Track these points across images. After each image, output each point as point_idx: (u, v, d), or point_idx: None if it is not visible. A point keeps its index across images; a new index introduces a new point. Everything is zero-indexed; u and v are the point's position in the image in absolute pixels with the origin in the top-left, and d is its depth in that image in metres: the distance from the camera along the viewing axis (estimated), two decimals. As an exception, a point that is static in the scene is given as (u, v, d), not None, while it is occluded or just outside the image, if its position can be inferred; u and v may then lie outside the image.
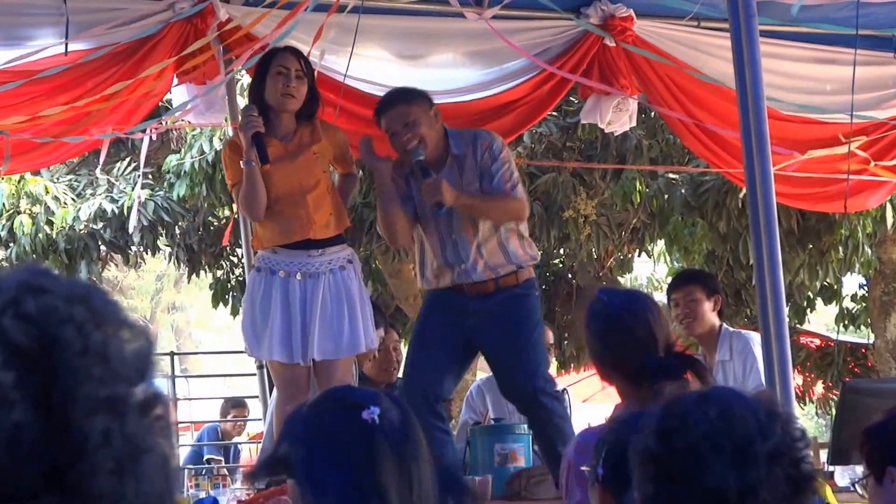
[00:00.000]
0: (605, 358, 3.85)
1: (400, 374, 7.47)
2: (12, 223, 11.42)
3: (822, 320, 16.24)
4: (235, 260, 12.63)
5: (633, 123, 7.66)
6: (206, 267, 12.65)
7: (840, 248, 11.23)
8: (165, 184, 11.64)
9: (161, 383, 1.22)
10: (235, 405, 12.68)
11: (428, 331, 6.01)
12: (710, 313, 6.76)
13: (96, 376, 1.15)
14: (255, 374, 7.82)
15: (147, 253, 12.67)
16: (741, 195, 10.11)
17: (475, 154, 5.97)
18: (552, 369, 7.41)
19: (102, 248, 11.95)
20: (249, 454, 12.80)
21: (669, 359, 3.73)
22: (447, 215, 5.87)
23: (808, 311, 13.14)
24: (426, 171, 5.83)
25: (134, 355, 1.19)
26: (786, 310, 4.79)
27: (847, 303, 13.66)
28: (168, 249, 12.74)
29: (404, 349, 7.47)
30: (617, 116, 7.30)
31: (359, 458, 2.49)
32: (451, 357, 5.99)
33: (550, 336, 7.27)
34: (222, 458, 12.01)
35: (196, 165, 10.91)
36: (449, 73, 7.41)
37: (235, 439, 12.65)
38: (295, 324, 5.73)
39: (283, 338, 5.72)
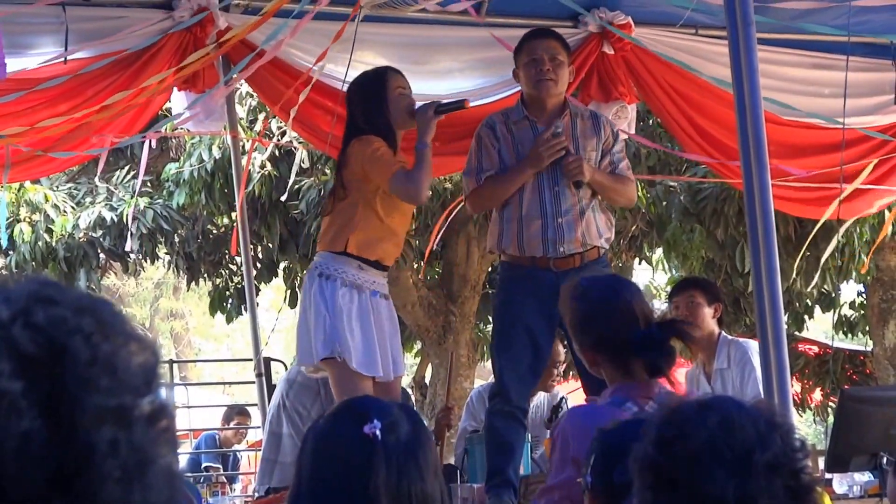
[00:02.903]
0: (591, 339, 3.87)
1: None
2: (12, 231, 11.42)
3: (820, 327, 16.24)
4: (234, 268, 12.65)
5: (632, 131, 7.68)
6: (205, 275, 12.67)
7: (837, 256, 11.23)
8: (164, 192, 11.66)
9: (167, 396, 1.23)
10: (239, 413, 12.69)
11: (519, 324, 5.90)
12: (709, 319, 6.78)
13: (104, 387, 1.17)
14: (254, 382, 7.81)
15: (146, 261, 12.69)
16: (739, 200, 10.11)
17: (597, 128, 6.15)
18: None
19: (101, 256, 11.97)
20: (248, 462, 12.81)
21: (651, 328, 3.76)
22: (579, 188, 5.96)
23: (807, 318, 13.15)
24: (566, 149, 5.94)
25: (141, 367, 1.21)
26: (784, 317, 4.80)
27: (846, 310, 13.67)
28: (167, 257, 12.75)
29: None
30: (616, 124, 7.31)
31: (354, 470, 2.53)
32: (537, 355, 5.96)
33: (561, 351, 7.24)
34: (220, 466, 12.02)
35: (195, 174, 10.91)
36: (449, 81, 7.43)
37: (235, 447, 12.65)
38: (384, 340, 5.79)
39: (378, 354, 5.74)
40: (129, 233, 10.48)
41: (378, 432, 2.55)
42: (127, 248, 11.10)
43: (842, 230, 9.07)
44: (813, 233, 8.35)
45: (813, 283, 10.11)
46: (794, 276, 11.13)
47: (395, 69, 6.08)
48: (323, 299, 5.72)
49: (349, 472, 2.54)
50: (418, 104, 5.96)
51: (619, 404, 3.72)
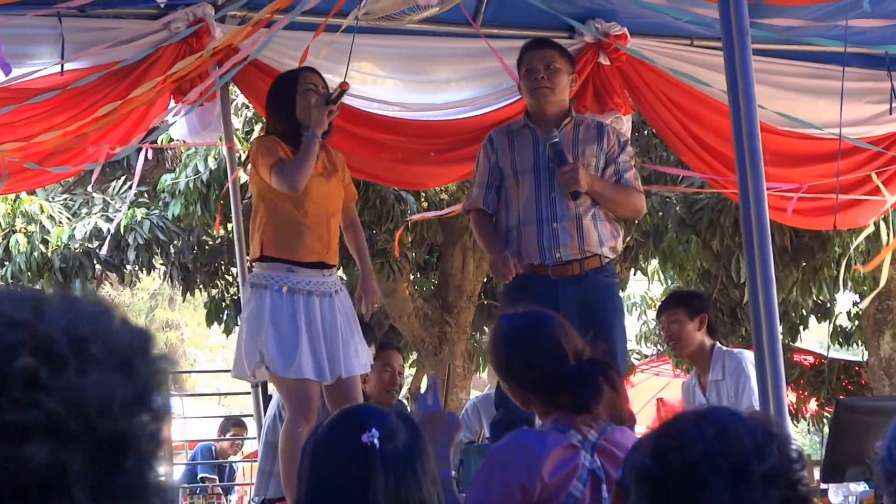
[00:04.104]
0: (519, 379, 3.78)
1: (400, 397, 7.50)
2: (8, 242, 11.43)
3: (816, 337, 16.25)
4: (230, 279, 12.64)
5: (626, 142, 7.68)
6: (201, 286, 12.66)
7: (833, 266, 11.25)
8: (160, 203, 11.66)
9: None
10: (235, 424, 12.67)
11: None
12: (694, 333, 6.75)
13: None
14: (249, 393, 7.80)
15: (142, 271, 12.68)
16: (735, 211, 10.12)
17: (600, 136, 6.11)
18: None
19: (97, 266, 11.96)
20: (244, 473, 12.78)
21: (581, 364, 3.67)
22: (577, 198, 5.91)
23: (802, 328, 13.16)
24: (562, 156, 5.92)
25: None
26: (779, 328, 4.79)
27: (841, 320, 13.68)
28: (163, 268, 12.75)
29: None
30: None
31: (354, 479, 2.54)
32: None
33: None
34: (216, 477, 11.99)
35: (191, 185, 10.92)
36: (446, 92, 7.44)
37: (230, 458, 12.63)
38: (320, 342, 5.70)
39: (312, 356, 5.68)
40: (109, 237, 10.44)
41: (376, 441, 2.56)
42: (103, 251, 11.08)
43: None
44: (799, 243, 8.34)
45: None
46: (791, 286, 11.15)
47: (311, 68, 6.05)
48: (248, 309, 5.78)
49: (348, 480, 2.55)
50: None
51: (563, 431, 3.66)
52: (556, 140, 5.92)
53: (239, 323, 6.00)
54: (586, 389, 3.63)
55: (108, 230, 11.47)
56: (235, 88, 7.65)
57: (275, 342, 5.65)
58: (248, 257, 5.95)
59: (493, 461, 3.66)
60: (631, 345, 17.30)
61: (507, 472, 3.57)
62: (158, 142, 8.37)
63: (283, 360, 5.63)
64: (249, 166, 5.90)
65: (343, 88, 5.86)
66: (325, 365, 5.70)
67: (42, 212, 11.58)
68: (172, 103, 6.80)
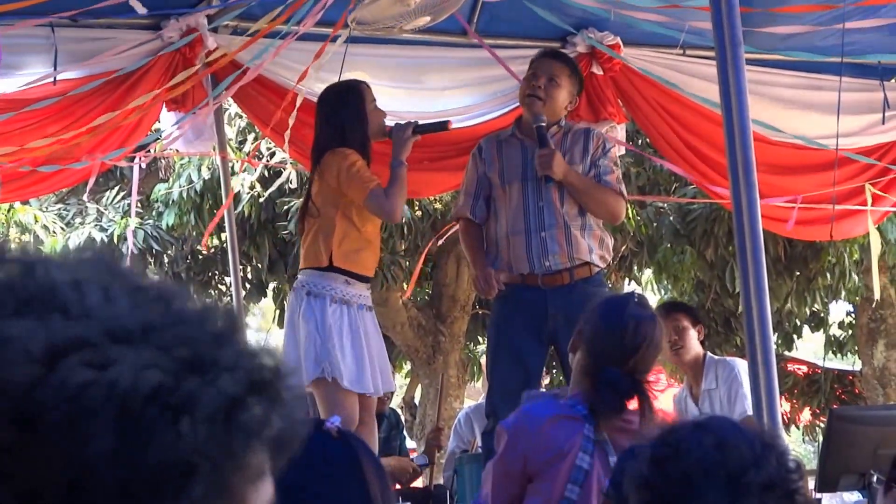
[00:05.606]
0: (584, 346, 3.93)
1: (391, 406, 7.48)
2: (1, 252, 11.41)
3: (809, 347, 16.26)
4: (224, 288, 12.63)
5: (622, 151, 7.69)
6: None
7: (827, 275, 11.26)
8: (154, 213, 11.66)
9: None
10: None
11: (506, 343, 5.93)
12: (695, 341, 6.79)
13: None
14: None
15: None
16: (729, 221, 10.13)
17: (587, 142, 6.11)
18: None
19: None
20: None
21: (622, 376, 3.79)
22: (549, 183, 5.91)
23: (796, 337, 13.17)
24: (543, 139, 5.92)
25: None
26: (773, 338, 4.80)
27: (834, 330, 13.69)
28: (156, 278, 12.73)
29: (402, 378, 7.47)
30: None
31: (346, 474, 2.53)
32: (533, 370, 5.94)
33: None
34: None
35: (184, 194, 10.92)
36: (440, 100, 7.44)
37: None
38: (371, 356, 5.75)
39: (369, 370, 5.70)
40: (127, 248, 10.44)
41: (339, 425, 2.57)
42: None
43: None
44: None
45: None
46: (785, 296, 11.15)
47: (365, 82, 6.08)
48: (312, 318, 5.70)
49: (340, 480, 2.54)
50: (395, 122, 5.97)
51: (572, 405, 3.77)
52: (543, 123, 5.93)
53: (287, 327, 5.92)
54: (608, 401, 3.78)
55: (102, 239, 11.48)
56: (229, 97, 7.64)
57: (346, 355, 5.66)
58: (306, 263, 5.86)
59: (505, 431, 3.84)
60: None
61: (516, 440, 3.79)
62: (151, 151, 8.35)
63: (354, 375, 5.65)
64: (326, 174, 5.77)
65: (447, 127, 5.98)
66: (375, 379, 5.75)
67: (36, 221, 11.57)
68: (167, 113, 6.81)
